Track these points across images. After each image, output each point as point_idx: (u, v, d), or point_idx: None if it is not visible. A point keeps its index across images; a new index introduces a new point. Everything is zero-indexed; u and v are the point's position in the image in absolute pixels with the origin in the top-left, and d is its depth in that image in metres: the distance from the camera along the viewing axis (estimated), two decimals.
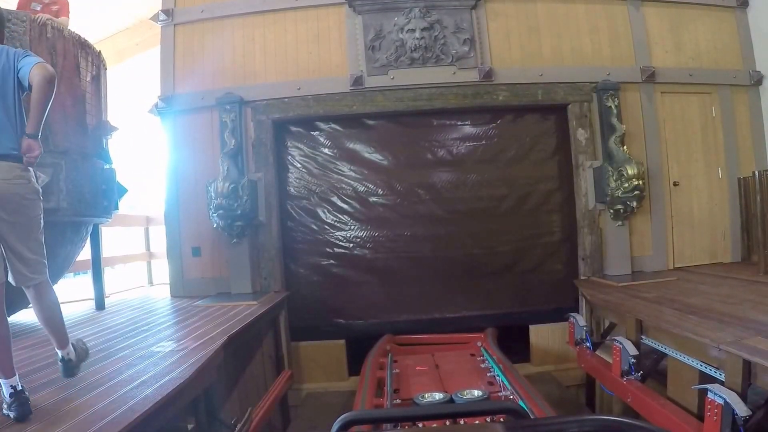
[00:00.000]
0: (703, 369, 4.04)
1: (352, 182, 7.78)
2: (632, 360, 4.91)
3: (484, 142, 7.81)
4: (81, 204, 5.72)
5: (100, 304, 7.03)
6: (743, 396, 3.38)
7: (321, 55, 7.57)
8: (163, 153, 7.67)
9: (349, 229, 7.78)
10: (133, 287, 9.86)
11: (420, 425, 3.15)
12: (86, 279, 7.54)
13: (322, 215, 7.79)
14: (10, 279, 3.19)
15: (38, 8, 6.23)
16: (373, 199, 7.78)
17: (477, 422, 3.19)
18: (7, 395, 3.00)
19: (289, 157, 7.86)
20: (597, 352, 6.11)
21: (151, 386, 3.44)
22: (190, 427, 3.81)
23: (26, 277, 3.21)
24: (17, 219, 3.14)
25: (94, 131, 6.28)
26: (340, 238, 7.77)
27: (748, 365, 3.45)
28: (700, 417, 3.72)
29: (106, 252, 7.83)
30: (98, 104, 6.47)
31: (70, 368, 3.57)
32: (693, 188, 7.81)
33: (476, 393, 4.48)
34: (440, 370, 5.80)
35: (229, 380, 5.22)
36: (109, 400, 3.20)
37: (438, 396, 4.48)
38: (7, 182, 3.07)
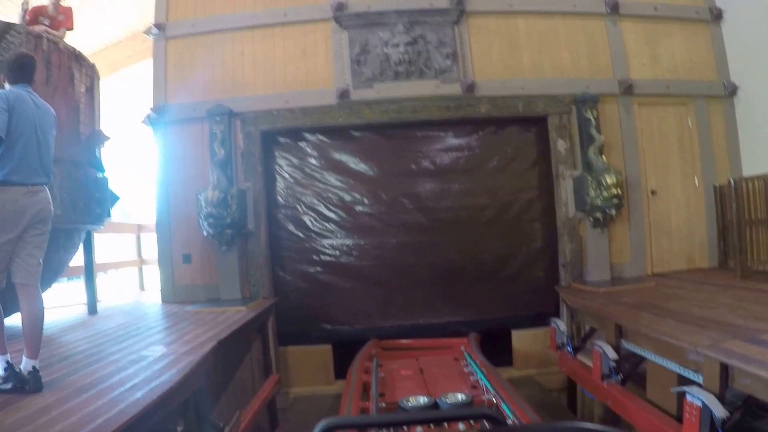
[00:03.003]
0: (681, 372, 4.13)
1: (339, 192, 7.94)
2: (612, 364, 5.02)
3: (466, 152, 8.00)
4: (74, 211, 5.83)
5: (92, 309, 7.16)
6: (721, 398, 3.44)
7: (308, 68, 7.74)
8: (155, 162, 7.80)
9: (336, 237, 7.93)
10: (124, 293, 9.94)
11: (405, 428, 3.24)
12: (79, 284, 7.66)
13: (310, 224, 7.94)
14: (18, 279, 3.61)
15: (46, 23, 6.37)
16: (359, 208, 7.93)
17: (460, 426, 3.30)
18: (1, 369, 3.50)
19: (277, 167, 8.01)
20: (578, 357, 6.24)
21: (141, 389, 3.51)
22: (179, 429, 3.82)
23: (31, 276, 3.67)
24: (46, 230, 3.81)
25: (87, 141, 6.42)
26: (327, 246, 7.92)
27: (725, 368, 3.51)
28: (680, 419, 3.80)
29: (98, 258, 7.92)
30: (91, 114, 6.62)
31: (34, 380, 3.56)
32: (670, 196, 7.98)
33: (460, 397, 4.55)
34: (425, 375, 5.87)
35: (218, 384, 5.28)
36: (100, 403, 3.27)
37: (422, 400, 4.53)
38: (49, 203, 3.80)
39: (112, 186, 6.93)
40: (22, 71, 3.84)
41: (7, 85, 3.83)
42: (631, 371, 5.26)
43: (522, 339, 7.80)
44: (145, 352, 4.66)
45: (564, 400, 7.16)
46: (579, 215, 7.64)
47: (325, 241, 7.94)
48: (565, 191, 7.68)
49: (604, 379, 5.10)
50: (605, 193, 7.19)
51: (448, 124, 7.91)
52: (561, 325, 6.64)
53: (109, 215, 6.94)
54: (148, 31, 7.90)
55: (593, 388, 5.39)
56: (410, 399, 4.57)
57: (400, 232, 7.92)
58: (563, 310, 7.23)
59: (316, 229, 7.95)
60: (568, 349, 6.37)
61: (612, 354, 5.05)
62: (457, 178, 7.96)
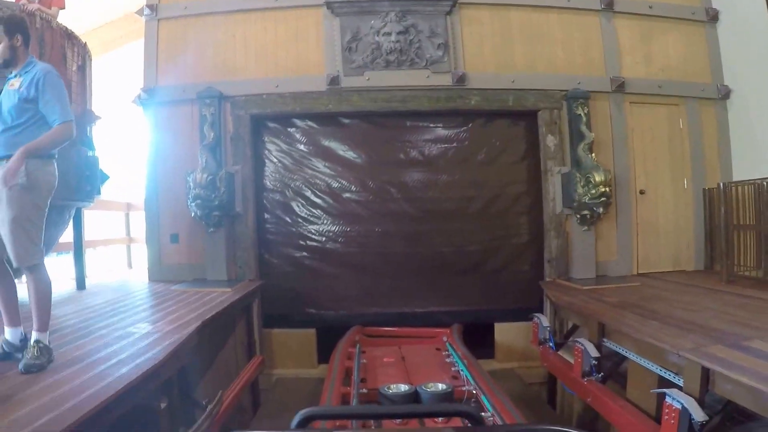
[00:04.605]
0: (662, 374, 4.15)
1: (326, 178, 7.97)
2: (593, 362, 5.04)
3: (455, 144, 8.01)
4: (65, 188, 5.77)
5: (80, 285, 7.23)
6: (701, 402, 3.45)
7: (299, 54, 7.75)
8: (145, 142, 7.84)
9: (322, 223, 7.97)
10: (112, 270, 10.02)
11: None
12: (68, 259, 7.71)
13: (297, 209, 7.98)
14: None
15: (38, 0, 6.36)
16: (346, 195, 7.97)
17: (438, 422, 3.32)
18: (18, 341, 3.63)
19: (266, 151, 8.04)
20: (559, 353, 6.28)
21: (127, 365, 3.56)
22: (163, 405, 3.87)
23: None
24: None
25: (78, 119, 6.36)
26: (314, 231, 7.97)
27: (706, 372, 3.51)
28: (659, 420, 3.81)
29: (87, 235, 7.98)
30: (83, 94, 6.66)
31: (35, 357, 3.54)
32: (659, 197, 8.00)
33: (440, 387, 4.54)
34: (406, 363, 5.92)
35: (203, 363, 5.34)
36: (86, 377, 3.33)
37: (403, 388, 4.54)
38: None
39: (103, 165, 6.97)
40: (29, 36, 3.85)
41: (31, 55, 3.83)
42: (612, 370, 5.30)
43: (504, 332, 7.84)
44: (131, 329, 4.71)
45: (544, 394, 7.19)
46: (566, 212, 7.67)
47: (312, 227, 7.98)
48: (553, 187, 7.71)
49: (585, 377, 5.12)
50: (593, 191, 7.22)
51: (438, 115, 7.93)
52: (544, 320, 6.67)
53: (98, 193, 6.99)
54: (140, 12, 7.90)
55: (573, 385, 5.41)
56: (391, 386, 4.58)
57: (386, 220, 7.96)
58: (547, 305, 7.25)
59: (303, 215, 7.99)
60: (550, 344, 6.40)
61: (593, 352, 5.06)
62: (445, 169, 7.99)
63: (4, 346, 3.70)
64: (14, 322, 3.73)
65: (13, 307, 3.74)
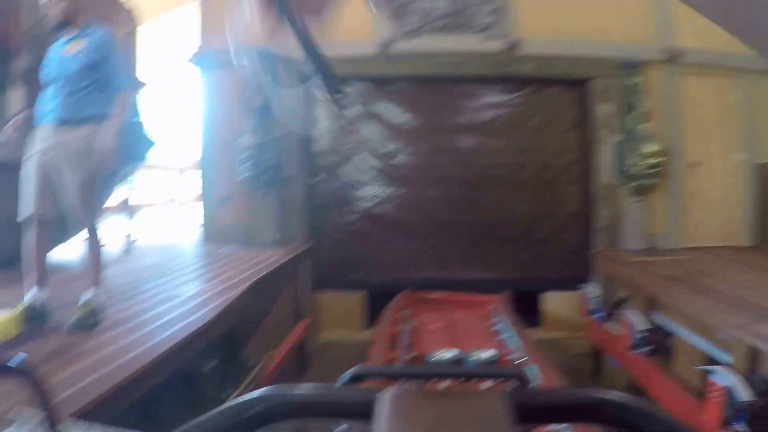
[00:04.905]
0: (710, 351, 4.10)
1: (377, 142, 7.98)
2: (641, 335, 4.98)
3: (506, 110, 7.94)
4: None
5: (131, 246, 7.38)
6: (748, 381, 3.36)
7: (351, 18, 7.59)
8: (196, 106, 7.95)
9: (372, 186, 8.00)
10: (163, 232, 10.13)
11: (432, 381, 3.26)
12: (119, 222, 7.84)
13: (347, 172, 8.01)
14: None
15: None
16: (397, 159, 7.96)
17: (485, 385, 3.33)
18: (42, 302, 3.55)
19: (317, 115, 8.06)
20: (607, 324, 6.21)
21: (175, 326, 3.64)
22: (210, 366, 3.94)
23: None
24: None
25: None
26: (363, 194, 8.01)
27: (755, 351, 3.48)
28: (704, 397, 3.73)
29: (137, 198, 8.10)
30: (129, 60, 6.73)
31: (87, 315, 3.60)
32: (711, 170, 7.85)
33: (487, 354, 4.64)
34: (454, 329, 5.92)
35: (251, 324, 5.38)
36: (134, 337, 3.39)
37: (450, 354, 4.48)
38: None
39: (149, 130, 7.04)
40: None
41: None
42: (659, 344, 5.19)
43: (552, 301, 7.82)
44: (180, 290, 4.82)
45: (589, 366, 7.16)
46: (617, 182, 7.58)
47: (362, 190, 8.02)
48: (604, 157, 7.62)
49: (632, 350, 5.08)
50: (644, 162, 7.15)
51: (489, 81, 7.88)
52: (592, 291, 6.63)
53: (144, 158, 7.05)
54: None
55: (620, 358, 5.39)
56: (438, 352, 4.56)
57: (436, 185, 7.95)
58: (595, 276, 7.23)
59: (353, 178, 8.02)
60: (598, 316, 6.36)
61: (642, 325, 5.02)
62: (496, 135, 7.94)
63: (34, 307, 3.54)
64: (44, 281, 3.65)
65: (43, 273, 3.68)
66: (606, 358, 6.42)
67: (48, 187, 3.57)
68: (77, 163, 3.54)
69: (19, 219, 3.58)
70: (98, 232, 3.78)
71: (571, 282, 7.34)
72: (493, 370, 2.72)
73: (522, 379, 1.79)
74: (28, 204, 3.56)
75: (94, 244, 3.75)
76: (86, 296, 3.67)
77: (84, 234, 3.73)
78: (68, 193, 3.56)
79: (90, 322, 3.55)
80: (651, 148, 7.12)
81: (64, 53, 3.65)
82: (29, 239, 3.58)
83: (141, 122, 6.84)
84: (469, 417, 0.66)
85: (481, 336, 5.72)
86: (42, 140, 3.58)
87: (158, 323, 3.72)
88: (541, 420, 0.78)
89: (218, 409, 0.68)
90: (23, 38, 5.23)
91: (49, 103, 3.62)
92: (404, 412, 0.66)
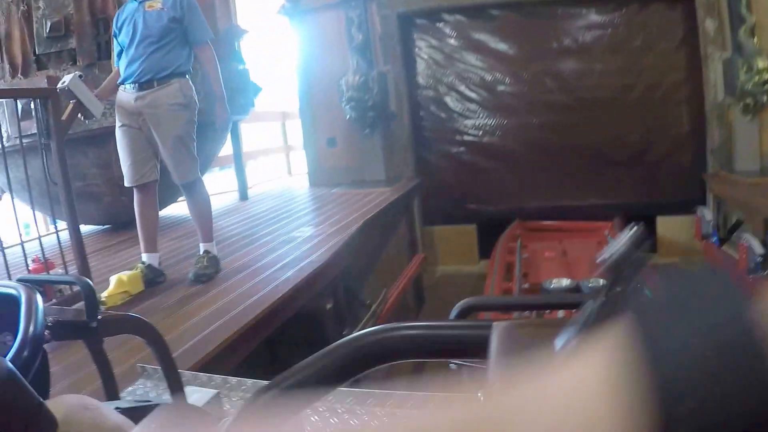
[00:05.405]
0: None
1: (479, 72, 7.71)
2: (759, 258, 4.72)
3: (609, 30, 7.40)
4: None
5: (243, 195, 7.58)
6: None
7: None
8: (294, 51, 7.94)
9: (477, 117, 7.77)
10: (273, 179, 10.42)
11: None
12: (230, 173, 8.07)
13: (451, 104, 7.83)
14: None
15: None
16: (500, 88, 7.69)
17: None
18: (157, 264, 3.71)
19: (416, 49, 7.88)
20: (723, 248, 5.92)
21: (292, 269, 3.70)
22: (328, 306, 4.00)
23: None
24: None
25: (225, 35, 6.57)
26: (469, 126, 7.81)
27: None
28: None
29: (246, 147, 8.27)
30: (227, 9, 6.79)
31: (204, 267, 3.70)
32: None
33: (603, 282, 4.52)
34: (567, 257, 5.84)
35: (366, 263, 5.42)
36: (254, 282, 3.50)
37: (565, 282, 4.46)
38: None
39: (254, 77, 7.11)
40: None
41: None
42: None
43: (667, 225, 7.36)
44: (294, 234, 4.89)
45: None
46: (728, 100, 6.85)
47: (467, 122, 7.81)
48: (714, 74, 6.90)
49: (750, 273, 4.78)
50: (756, 78, 6.45)
51: (589, 0, 7.36)
52: (707, 214, 6.33)
53: (252, 105, 7.16)
54: None
55: (737, 282, 5.11)
56: (553, 281, 4.51)
57: (542, 112, 7.61)
58: (710, 198, 6.81)
59: (457, 110, 7.82)
60: (714, 239, 6.06)
61: (759, 249, 4.72)
62: (599, 57, 7.43)
63: (151, 265, 3.70)
64: (152, 248, 3.74)
65: (154, 235, 3.77)
66: None
67: (145, 151, 3.62)
68: (170, 120, 3.56)
69: (126, 185, 3.70)
70: (202, 184, 3.85)
71: (684, 205, 6.97)
72: None
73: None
74: (128, 173, 3.64)
75: (198, 197, 3.82)
76: (201, 249, 3.81)
77: (189, 188, 3.77)
78: (166, 151, 3.61)
79: (208, 273, 3.68)
80: (763, 63, 6.43)
81: (147, 10, 3.60)
82: (138, 203, 3.70)
83: (247, 69, 6.99)
84: None
85: (595, 263, 5.57)
86: (131, 103, 3.56)
87: (276, 267, 3.81)
88: None
89: (331, 346, 0.65)
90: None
91: (133, 63, 3.55)
92: (517, 345, 0.60)
